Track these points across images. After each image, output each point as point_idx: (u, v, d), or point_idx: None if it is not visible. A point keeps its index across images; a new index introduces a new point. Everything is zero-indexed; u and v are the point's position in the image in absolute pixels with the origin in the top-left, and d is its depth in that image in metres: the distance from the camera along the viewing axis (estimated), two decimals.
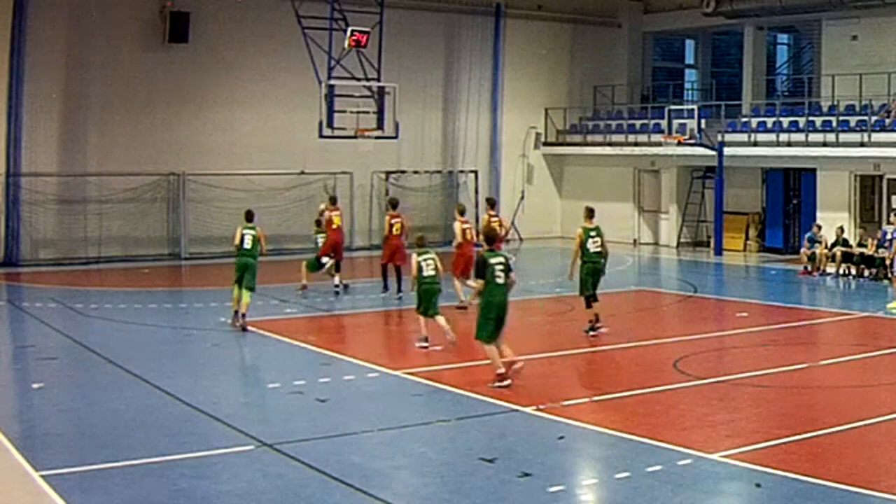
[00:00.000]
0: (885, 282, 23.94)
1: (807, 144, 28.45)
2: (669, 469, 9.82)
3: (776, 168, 30.55)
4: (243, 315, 17.70)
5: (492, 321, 13.34)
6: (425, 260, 16.01)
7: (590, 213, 17.31)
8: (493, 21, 34.45)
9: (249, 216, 18.48)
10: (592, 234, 16.96)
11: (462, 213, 20.66)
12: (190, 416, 12.02)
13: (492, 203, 21.70)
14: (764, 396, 13.14)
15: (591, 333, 17.03)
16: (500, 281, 13.37)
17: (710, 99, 35.18)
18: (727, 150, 29.93)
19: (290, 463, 10.14)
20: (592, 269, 16.99)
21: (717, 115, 31.43)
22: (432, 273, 15.99)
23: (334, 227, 21.97)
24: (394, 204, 22.38)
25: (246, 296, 17.72)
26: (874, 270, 24.65)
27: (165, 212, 29.30)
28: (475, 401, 12.70)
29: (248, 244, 17.93)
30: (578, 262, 17.00)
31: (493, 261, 13.41)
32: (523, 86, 35.26)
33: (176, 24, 28.60)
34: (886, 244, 24.21)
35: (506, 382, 13.21)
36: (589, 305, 17.12)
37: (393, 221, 21.52)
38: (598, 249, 16.96)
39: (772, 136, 29.64)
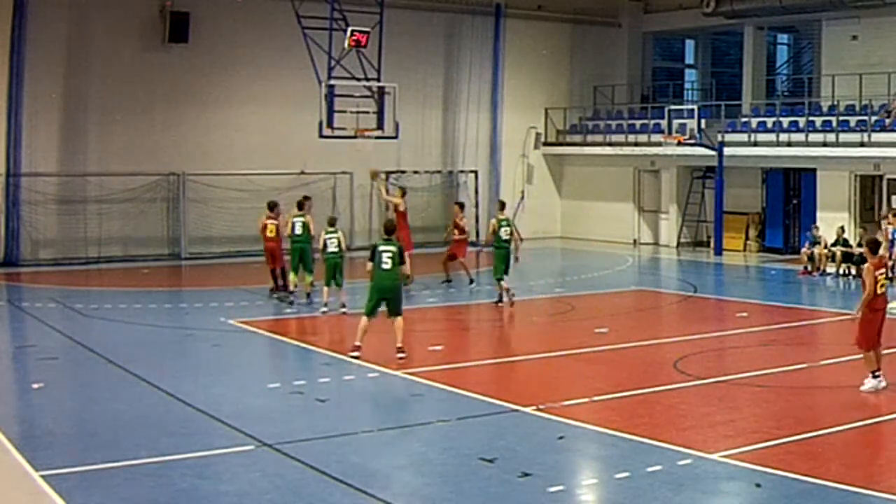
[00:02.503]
0: (885, 282, 23.91)
1: (807, 144, 28.45)
2: (669, 469, 9.82)
3: (776, 168, 30.55)
4: (308, 294, 20.37)
5: (374, 300, 15.03)
6: (330, 238, 19.12)
7: (501, 206, 21.59)
8: (493, 21, 34.44)
9: (301, 205, 20.85)
10: (504, 223, 20.34)
11: (300, 206, 21.29)
12: (190, 416, 12.02)
13: (461, 205, 24.26)
14: (764, 396, 13.13)
15: (500, 304, 20.21)
16: (386, 267, 14.92)
17: (710, 99, 35.17)
18: (727, 150, 29.92)
19: (290, 463, 10.14)
20: (504, 253, 20.19)
21: (717, 115, 31.42)
22: (335, 249, 19.07)
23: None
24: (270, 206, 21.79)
25: (308, 277, 20.29)
26: None
27: (165, 212, 29.28)
28: (475, 401, 12.70)
29: (298, 230, 20.32)
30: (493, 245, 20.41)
31: (381, 248, 15.02)
32: (523, 86, 35.26)
33: (176, 24, 28.58)
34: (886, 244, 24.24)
35: (355, 354, 14.99)
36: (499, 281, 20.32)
37: (268, 223, 21.12)
38: (508, 237, 20.26)
39: (772, 136, 29.64)
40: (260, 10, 29.74)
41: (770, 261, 29.15)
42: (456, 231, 23.37)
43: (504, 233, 20.28)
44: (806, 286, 24.45)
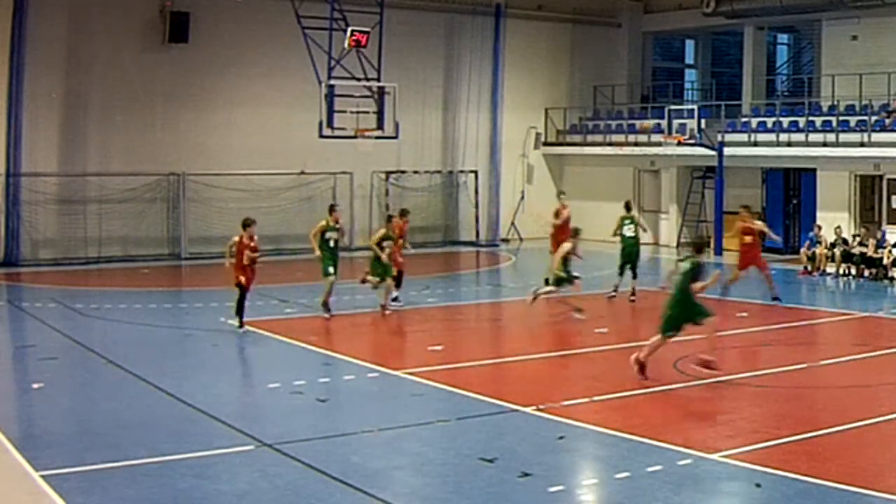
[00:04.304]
0: (885, 282, 23.96)
1: (807, 144, 28.45)
2: (669, 469, 9.82)
3: (776, 168, 30.55)
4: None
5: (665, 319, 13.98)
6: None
7: (627, 206, 23.01)
8: (493, 21, 34.45)
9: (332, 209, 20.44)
10: (627, 222, 21.84)
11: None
12: (190, 416, 12.02)
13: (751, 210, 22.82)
14: (764, 396, 13.14)
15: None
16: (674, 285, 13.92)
17: (710, 99, 35.18)
18: (727, 150, 29.92)
19: (290, 463, 10.14)
20: (629, 248, 21.76)
21: (717, 115, 31.42)
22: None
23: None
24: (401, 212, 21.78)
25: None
26: (874, 270, 24.67)
27: (165, 212, 29.30)
28: (475, 401, 12.70)
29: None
30: None
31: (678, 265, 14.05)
32: (523, 86, 35.27)
33: (176, 24, 28.60)
34: (885, 244, 24.27)
35: (712, 370, 13.71)
36: None
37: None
38: (633, 234, 21.91)
39: (772, 136, 29.63)
40: (260, 10, 29.75)
41: (770, 261, 29.03)
42: (748, 238, 21.35)
43: (627, 230, 21.58)
44: (806, 286, 24.44)
